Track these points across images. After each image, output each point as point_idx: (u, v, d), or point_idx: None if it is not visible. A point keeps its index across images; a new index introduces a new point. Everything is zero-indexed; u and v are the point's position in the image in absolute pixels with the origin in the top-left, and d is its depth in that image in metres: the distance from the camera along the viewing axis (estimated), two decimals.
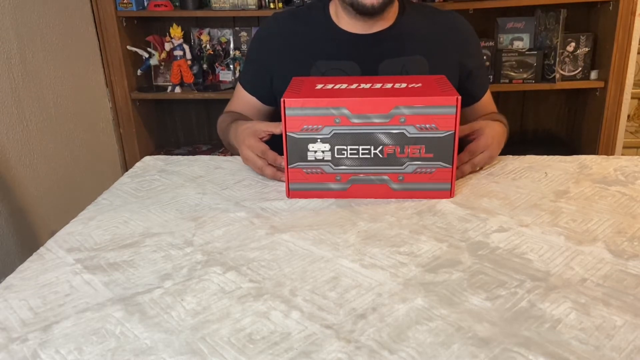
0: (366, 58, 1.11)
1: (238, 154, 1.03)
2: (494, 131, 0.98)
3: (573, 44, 2.06)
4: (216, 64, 2.30)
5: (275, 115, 1.22)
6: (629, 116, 2.34)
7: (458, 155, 0.92)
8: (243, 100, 1.22)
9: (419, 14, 1.17)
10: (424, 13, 1.18)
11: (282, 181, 0.91)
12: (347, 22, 1.13)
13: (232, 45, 2.30)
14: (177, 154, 1.41)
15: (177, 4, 2.19)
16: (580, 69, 2.09)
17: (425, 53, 1.13)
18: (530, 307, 0.58)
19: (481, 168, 0.98)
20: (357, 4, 1.06)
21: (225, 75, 2.29)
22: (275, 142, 0.94)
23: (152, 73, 2.29)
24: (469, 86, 1.18)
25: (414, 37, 1.14)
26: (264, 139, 0.95)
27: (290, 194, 0.88)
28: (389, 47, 1.12)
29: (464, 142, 0.97)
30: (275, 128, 0.94)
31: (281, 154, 0.88)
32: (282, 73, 1.14)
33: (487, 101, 1.23)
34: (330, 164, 0.85)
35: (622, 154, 2.12)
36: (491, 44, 2.11)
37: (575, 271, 0.65)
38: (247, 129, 0.97)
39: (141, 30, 2.26)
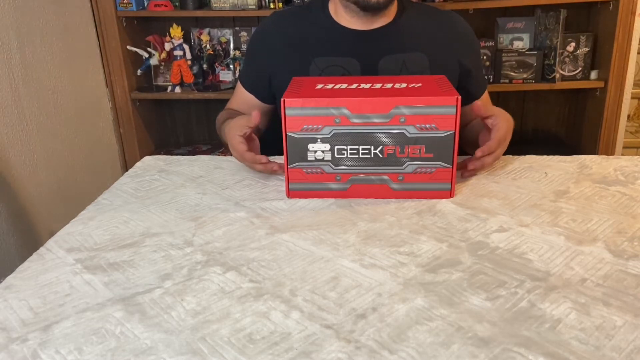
0: (366, 54, 1.12)
1: None
2: (508, 122, 0.97)
3: (573, 44, 2.06)
4: (216, 64, 2.30)
5: (274, 114, 1.23)
6: (629, 116, 2.34)
7: (488, 144, 0.91)
8: (242, 98, 1.23)
9: (419, 13, 1.18)
10: (423, 12, 1.19)
11: (276, 173, 0.91)
12: (346, 20, 1.13)
13: (232, 45, 2.30)
14: (177, 154, 1.41)
15: (177, 4, 2.19)
16: (580, 69, 2.09)
17: (425, 50, 1.13)
18: (530, 307, 0.58)
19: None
20: (362, 0, 1.06)
21: (225, 75, 2.29)
22: (275, 141, 0.94)
23: (152, 73, 2.29)
24: (468, 85, 1.18)
25: (414, 34, 1.14)
26: (247, 133, 0.95)
27: (290, 194, 0.88)
28: (389, 43, 1.13)
29: (474, 127, 0.95)
30: (248, 122, 0.94)
31: (281, 153, 0.88)
32: (281, 70, 1.14)
33: (485, 101, 1.23)
34: (330, 164, 0.85)
35: (622, 154, 2.12)
36: (491, 44, 2.11)
37: (575, 271, 0.65)
38: (231, 129, 0.98)
39: (141, 30, 2.25)
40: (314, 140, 0.83)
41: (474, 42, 1.22)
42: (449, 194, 0.86)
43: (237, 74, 2.26)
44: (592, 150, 2.13)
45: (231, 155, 1.10)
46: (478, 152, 0.91)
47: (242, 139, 0.95)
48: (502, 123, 0.93)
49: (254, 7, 2.08)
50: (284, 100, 0.81)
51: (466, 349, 0.52)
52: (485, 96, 1.24)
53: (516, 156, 1.04)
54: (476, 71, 1.20)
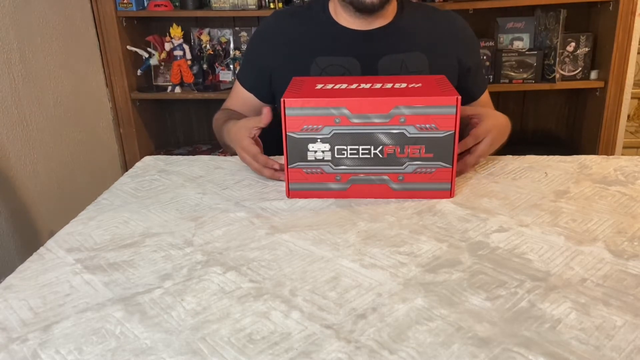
0: (366, 54, 1.12)
1: (234, 153, 1.04)
2: (496, 120, 0.97)
3: (573, 44, 2.06)
4: (216, 64, 2.31)
5: (273, 114, 1.23)
6: (629, 116, 2.34)
7: (462, 141, 0.91)
8: (241, 97, 1.23)
9: (418, 12, 1.18)
10: (423, 11, 1.20)
11: (282, 180, 0.91)
12: (346, 20, 1.14)
13: (232, 45, 2.30)
14: (177, 154, 1.40)
15: (177, 4, 2.19)
16: (580, 69, 2.09)
17: (424, 49, 1.13)
18: (530, 307, 0.58)
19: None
20: (356, 1, 1.06)
21: (225, 75, 2.29)
22: (274, 141, 0.94)
23: (152, 73, 2.29)
24: (468, 84, 1.19)
25: (413, 33, 1.15)
26: (257, 134, 0.95)
27: (290, 194, 0.88)
28: (389, 43, 1.13)
29: (464, 130, 0.96)
30: (259, 122, 0.93)
31: (281, 153, 0.88)
32: (281, 70, 1.15)
33: (485, 101, 1.23)
34: (330, 164, 0.85)
35: (622, 154, 2.12)
36: (491, 44, 2.11)
37: (575, 271, 0.65)
38: (239, 130, 0.97)
39: (141, 30, 2.26)
40: (314, 140, 0.83)
41: (473, 41, 1.22)
42: (449, 194, 0.86)
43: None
44: (592, 150, 2.13)
45: (231, 155, 1.11)
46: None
47: (252, 141, 0.94)
48: (485, 122, 0.93)
49: (254, 7, 2.08)
50: (284, 100, 0.81)
51: (466, 349, 0.52)
52: (486, 98, 1.24)
53: (516, 156, 1.04)
54: (476, 70, 1.20)
